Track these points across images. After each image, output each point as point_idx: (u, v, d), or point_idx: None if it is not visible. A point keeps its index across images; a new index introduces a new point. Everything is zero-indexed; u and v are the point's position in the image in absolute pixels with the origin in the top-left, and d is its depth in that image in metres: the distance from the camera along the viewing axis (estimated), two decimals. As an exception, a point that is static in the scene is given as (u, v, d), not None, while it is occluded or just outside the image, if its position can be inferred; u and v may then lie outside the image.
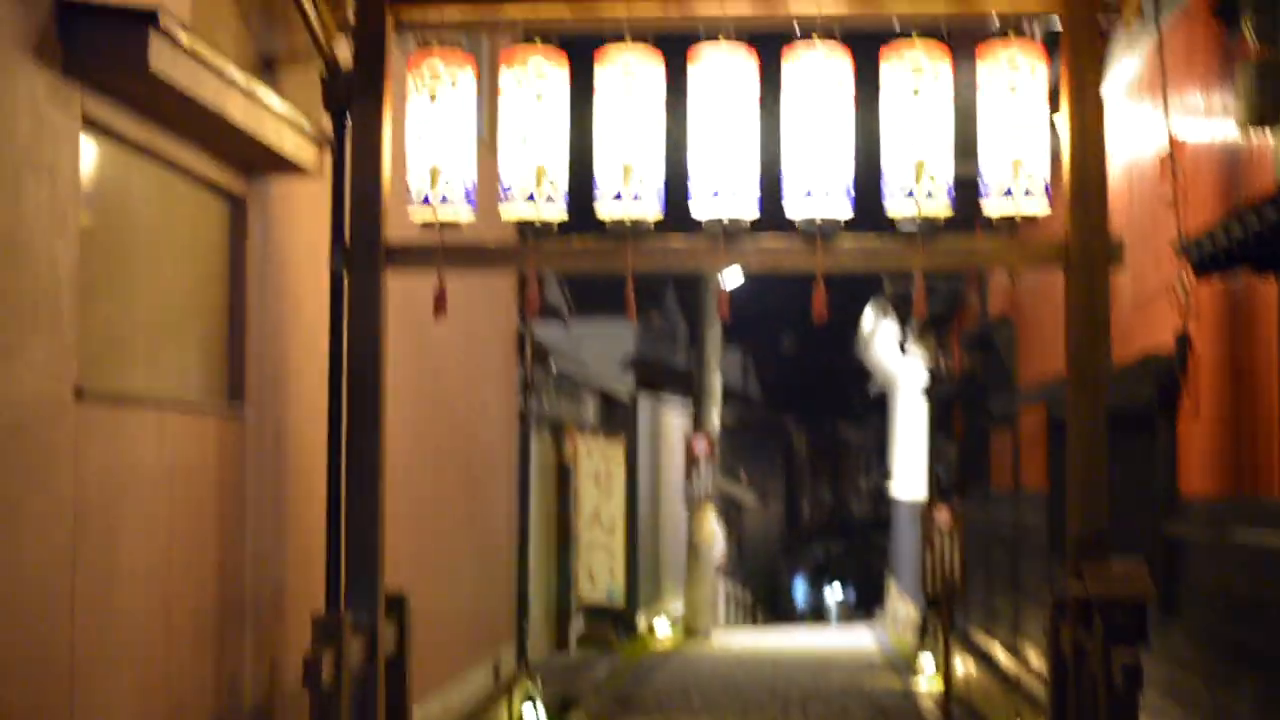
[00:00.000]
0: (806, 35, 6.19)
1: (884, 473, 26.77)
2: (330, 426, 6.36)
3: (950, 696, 12.70)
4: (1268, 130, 5.74)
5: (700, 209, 6.23)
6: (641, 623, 21.00)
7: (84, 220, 5.01)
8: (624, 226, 6.25)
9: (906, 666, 17.23)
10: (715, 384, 23.14)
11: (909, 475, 21.70)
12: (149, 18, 4.82)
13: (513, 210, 6.28)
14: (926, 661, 16.09)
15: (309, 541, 6.74)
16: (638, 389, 21.97)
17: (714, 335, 23.24)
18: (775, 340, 45.64)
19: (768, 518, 40.81)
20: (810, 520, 47.49)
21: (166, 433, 5.64)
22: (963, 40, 6.44)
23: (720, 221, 6.22)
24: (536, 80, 6.24)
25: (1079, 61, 6.23)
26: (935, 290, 14.86)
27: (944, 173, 6.13)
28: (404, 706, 6.51)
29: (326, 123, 6.49)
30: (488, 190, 6.50)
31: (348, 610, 6.16)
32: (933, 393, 17.17)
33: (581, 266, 6.90)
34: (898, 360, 20.61)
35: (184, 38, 5.03)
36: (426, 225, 6.38)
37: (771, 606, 37.46)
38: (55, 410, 4.78)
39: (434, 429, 9.54)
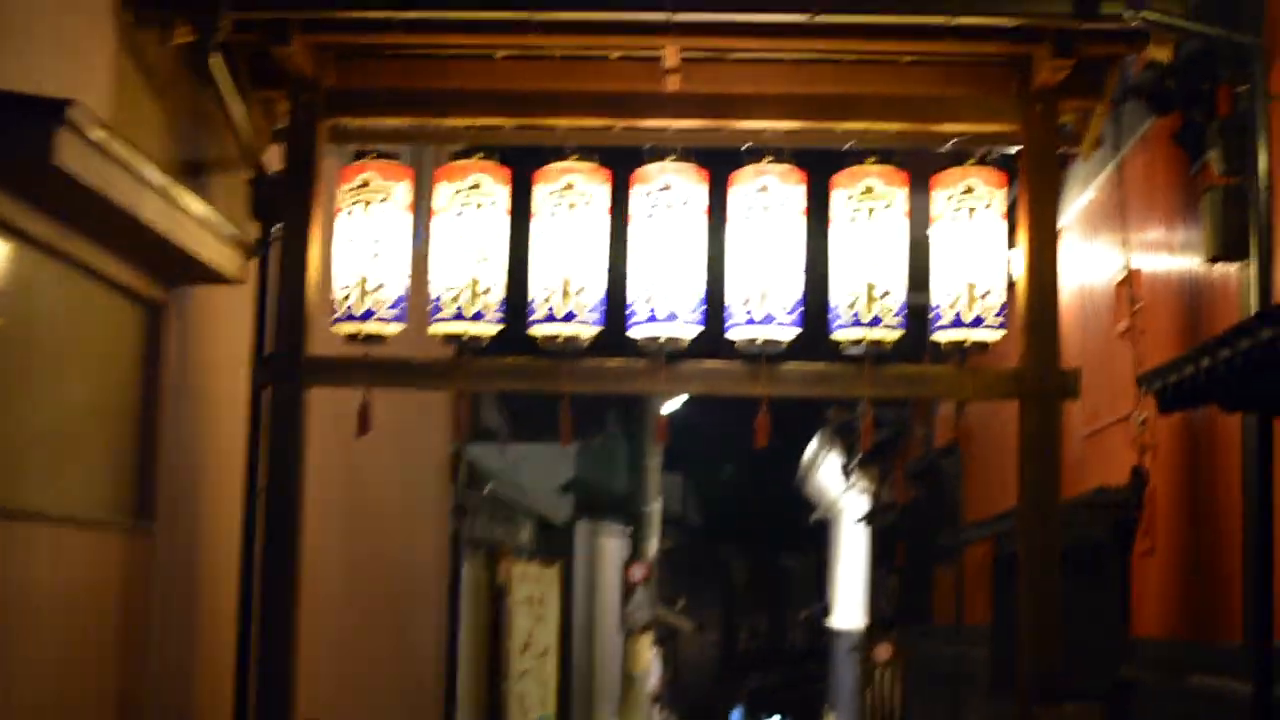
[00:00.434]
0: (756, 152, 6.00)
1: (824, 606, 26.44)
2: (244, 546, 6.04)
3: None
4: (1233, 262, 5.53)
5: (638, 329, 6.00)
6: (574, 753, 20.48)
7: (-18, 323, 4.69)
8: (559, 345, 6.00)
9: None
10: (655, 511, 22.94)
11: (849, 605, 21.41)
12: (56, 109, 4.50)
13: (443, 326, 6.06)
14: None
15: (219, 669, 6.34)
16: (576, 514, 21.64)
17: (654, 463, 23.09)
18: (717, 464, 45.38)
19: (705, 645, 40.26)
20: (748, 649, 46.91)
21: (63, 550, 5.27)
22: (919, 165, 6.24)
23: (658, 341, 5.98)
24: (473, 193, 6.05)
25: (1037, 189, 6.04)
26: (880, 419, 14.66)
27: (895, 297, 5.91)
28: None
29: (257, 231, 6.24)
30: (423, 305, 6.25)
31: (256, 745, 5.79)
32: (875, 522, 16.95)
33: (515, 386, 6.63)
34: (840, 489, 20.42)
35: (95, 133, 4.71)
36: (351, 338, 6.13)
37: (708, 739, 36.81)
38: (-61, 525, 4.44)
39: (362, 550, 9.18)
